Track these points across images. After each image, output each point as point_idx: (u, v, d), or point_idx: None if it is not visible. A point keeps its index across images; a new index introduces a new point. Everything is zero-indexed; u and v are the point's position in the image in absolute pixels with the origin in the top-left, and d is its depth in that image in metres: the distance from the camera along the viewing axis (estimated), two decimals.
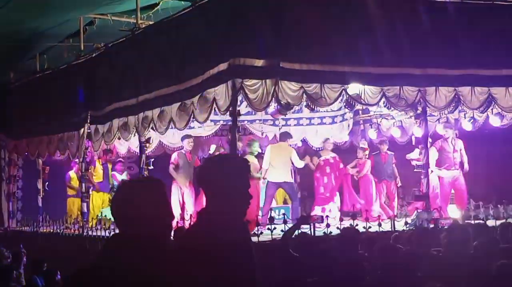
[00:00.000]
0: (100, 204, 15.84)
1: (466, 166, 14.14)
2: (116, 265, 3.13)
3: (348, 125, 16.65)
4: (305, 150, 16.41)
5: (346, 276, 6.67)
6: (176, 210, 13.80)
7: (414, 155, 14.10)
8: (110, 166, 16.31)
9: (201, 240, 3.48)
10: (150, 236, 3.20)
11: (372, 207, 14.54)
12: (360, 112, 16.36)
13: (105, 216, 14.32)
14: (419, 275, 6.55)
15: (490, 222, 11.49)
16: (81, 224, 14.38)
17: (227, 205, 3.62)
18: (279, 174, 13.34)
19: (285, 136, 14.13)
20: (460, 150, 14.08)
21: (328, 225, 11.03)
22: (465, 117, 14.47)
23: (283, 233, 9.01)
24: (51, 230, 15.63)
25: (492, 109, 12.80)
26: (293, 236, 8.44)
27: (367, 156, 15.59)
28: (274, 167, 13.34)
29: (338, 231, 9.80)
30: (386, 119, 15.95)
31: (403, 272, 6.52)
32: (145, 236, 3.18)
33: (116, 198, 3.34)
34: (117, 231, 3.41)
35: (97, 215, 14.42)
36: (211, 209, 3.66)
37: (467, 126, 14.49)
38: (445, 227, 9.86)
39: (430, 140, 13.43)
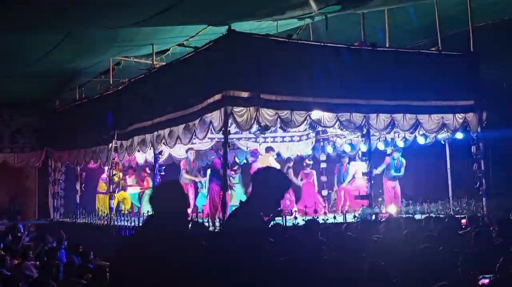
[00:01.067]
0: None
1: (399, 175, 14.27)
2: (149, 235, 3.49)
3: (312, 142, 16.64)
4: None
5: (309, 256, 6.63)
6: None
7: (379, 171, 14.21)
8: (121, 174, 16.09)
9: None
10: (172, 218, 3.53)
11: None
12: (320, 132, 16.36)
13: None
14: (363, 255, 6.52)
15: (417, 216, 11.52)
16: (109, 217, 14.30)
17: (263, 203, 3.79)
18: None
19: (269, 149, 14.15)
20: (401, 167, 14.20)
21: (295, 218, 11.02)
22: (398, 137, 14.47)
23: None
24: (86, 221, 15.51)
25: (418, 131, 12.87)
26: (269, 226, 8.37)
27: (310, 168, 15.55)
28: None
29: (304, 222, 9.76)
30: (340, 137, 15.94)
31: (351, 253, 6.50)
32: (168, 218, 3.51)
33: (153, 192, 3.78)
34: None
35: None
36: (251, 202, 3.85)
37: (400, 143, 14.49)
38: (383, 219, 9.86)
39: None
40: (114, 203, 14.77)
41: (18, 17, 9.76)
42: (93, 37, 12.12)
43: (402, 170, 14.23)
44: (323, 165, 16.21)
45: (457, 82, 12.42)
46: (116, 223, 13.90)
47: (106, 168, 15.72)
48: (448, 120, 12.28)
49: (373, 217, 11.00)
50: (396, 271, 5.57)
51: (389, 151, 14.59)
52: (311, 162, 15.72)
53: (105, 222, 14.35)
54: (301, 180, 15.21)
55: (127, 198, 16.26)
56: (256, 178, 3.96)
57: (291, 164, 15.05)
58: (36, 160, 18.41)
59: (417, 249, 5.99)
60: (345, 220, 11.39)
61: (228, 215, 4.31)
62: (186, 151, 14.24)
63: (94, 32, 11.80)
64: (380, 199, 14.45)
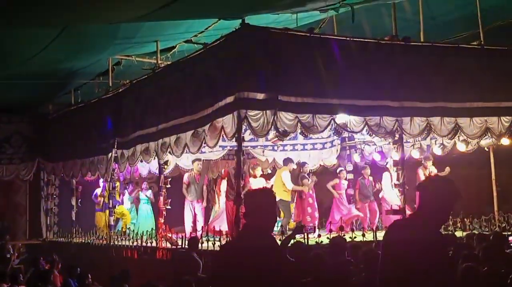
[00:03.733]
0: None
1: None
2: (243, 241, 4.28)
3: (336, 150, 16.64)
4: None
5: (334, 277, 6.65)
6: (188, 223, 13.84)
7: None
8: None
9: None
10: (262, 226, 4.21)
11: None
12: (346, 139, 16.37)
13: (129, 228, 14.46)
14: None
15: (458, 233, 11.47)
16: (108, 235, 14.41)
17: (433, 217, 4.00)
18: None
19: (287, 161, 14.24)
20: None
21: (319, 235, 11.03)
22: (435, 143, 14.46)
23: (280, 241, 8.97)
24: (83, 240, 15.63)
25: (458, 137, 12.82)
26: (289, 245, 8.40)
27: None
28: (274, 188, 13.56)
29: (328, 241, 9.78)
30: (369, 145, 15.95)
31: None
32: (259, 226, 4.19)
33: (245, 197, 4.98)
34: None
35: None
36: (423, 215, 4.06)
37: (437, 151, 14.48)
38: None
39: None
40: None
41: (5, 8, 9.84)
42: (91, 33, 12.27)
43: None
44: (350, 176, 16.18)
45: (502, 81, 12.33)
46: (116, 242, 14.02)
47: (100, 181, 15.94)
48: (492, 124, 12.21)
49: None
50: None
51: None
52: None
53: (104, 242, 14.47)
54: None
55: (126, 214, 16.39)
56: (425, 190, 4.21)
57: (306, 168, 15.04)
58: (27, 173, 18.54)
59: (458, 269, 5.97)
60: (375, 238, 11.37)
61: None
62: (192, 163, 14.32)
63: (92, 27, 11.94)
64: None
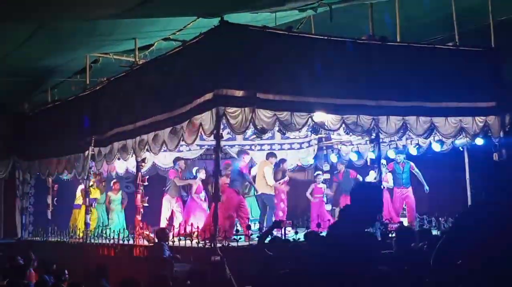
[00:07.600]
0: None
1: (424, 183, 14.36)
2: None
3: (314, 150, 16.75)
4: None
5: (314, 268, 6.72)
6: (164, 218, 13.88)
7: (370, 178, 14.28)
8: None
9: None
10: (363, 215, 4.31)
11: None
12: (323, 139, 16.49)
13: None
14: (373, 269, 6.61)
15: (433, 232, 11.62)
16: (84, 234, 14.33)
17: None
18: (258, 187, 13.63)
19: (270, 155, 14.31)
20: (408, 170, 14.30)
21: (296, 232, 11.13)
22: (411, 143, 14.63)
23: (258, 236, 9.11)
24: (59, 239, 15.53)
25: (434, 136, 13.00)
26: (266, 240, 8.50)
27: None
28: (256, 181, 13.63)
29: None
30: (345, 145, 16.08)
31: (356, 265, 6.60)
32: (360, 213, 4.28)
33: (355, 191, 4.55)
34: None
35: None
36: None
37: (413, 151, 14.64)
38: (393, 230, 9.97)
39: (384, 162, 13.69)
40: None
41: None
42: (68, 30, 12.22)
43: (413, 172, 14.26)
44: (327, 176, 16.29)
45: (477, 82, 12.56)
46: (92, 241, 13.97)
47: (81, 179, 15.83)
48: (467, 124, 12.42)
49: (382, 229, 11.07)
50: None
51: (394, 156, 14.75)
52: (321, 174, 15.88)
53: (81, 240, 14.40)
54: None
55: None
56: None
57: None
58: (2, 171, 18.32)
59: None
60: None
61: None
62: (174, 162, 14.34)
63: (69, 25, 11.89)
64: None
